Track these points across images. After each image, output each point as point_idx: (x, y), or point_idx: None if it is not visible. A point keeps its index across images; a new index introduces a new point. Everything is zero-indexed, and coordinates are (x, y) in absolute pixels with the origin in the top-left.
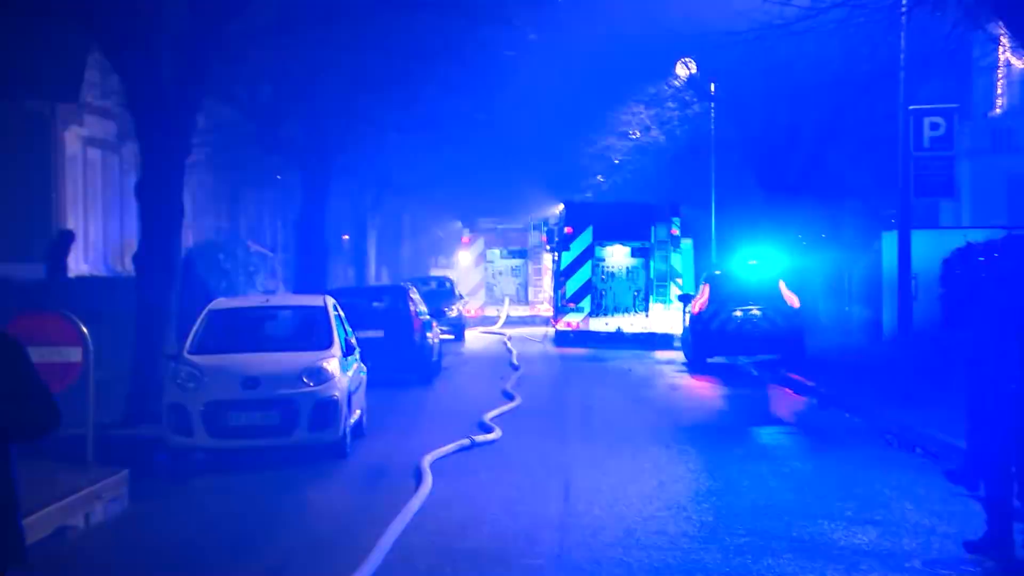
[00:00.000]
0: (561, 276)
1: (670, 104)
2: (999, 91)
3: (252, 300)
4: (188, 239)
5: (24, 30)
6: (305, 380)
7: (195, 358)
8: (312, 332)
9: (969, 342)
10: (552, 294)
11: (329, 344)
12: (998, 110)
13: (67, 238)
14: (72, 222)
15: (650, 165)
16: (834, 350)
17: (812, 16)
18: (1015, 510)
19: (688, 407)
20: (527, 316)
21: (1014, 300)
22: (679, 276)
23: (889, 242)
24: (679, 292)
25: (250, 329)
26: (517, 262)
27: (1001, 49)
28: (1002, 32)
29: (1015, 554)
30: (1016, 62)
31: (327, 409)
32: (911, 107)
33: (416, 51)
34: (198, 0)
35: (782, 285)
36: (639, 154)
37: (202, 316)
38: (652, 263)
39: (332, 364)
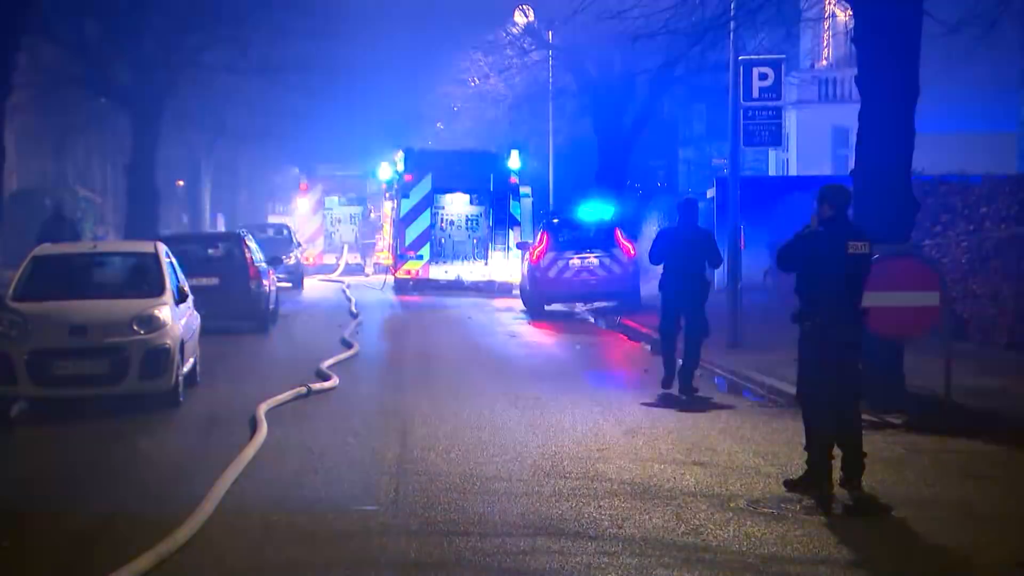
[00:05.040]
0: (400, 224)
1: (508, 52)
2: (825, 43)
3: (80, 246)
4: (12, 183)
5: None
6: (136, 327)
7: (18, 305)
8: (143, 279)
9: (799, 286)
10: (392, 242)
11: (160, 291)
12: (824, 62)
13: None
14: None
15: (489, 113)
16: None
17: None
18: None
19: (525, 354)
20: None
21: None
22: (518, 224)
23: (721, 190)
24: (518, 240)
25: (78, 276)
26: (356, 209)
27: (827, 1)
28: None
29: (830, 492)
30: (841, 14)
31: (159, 357)
32: (741, 57)
33: None
34: None
35: (618, 233)
36: (479, 101)
37: (26, 262)
38: (491, 211)
39: (164, 311)
